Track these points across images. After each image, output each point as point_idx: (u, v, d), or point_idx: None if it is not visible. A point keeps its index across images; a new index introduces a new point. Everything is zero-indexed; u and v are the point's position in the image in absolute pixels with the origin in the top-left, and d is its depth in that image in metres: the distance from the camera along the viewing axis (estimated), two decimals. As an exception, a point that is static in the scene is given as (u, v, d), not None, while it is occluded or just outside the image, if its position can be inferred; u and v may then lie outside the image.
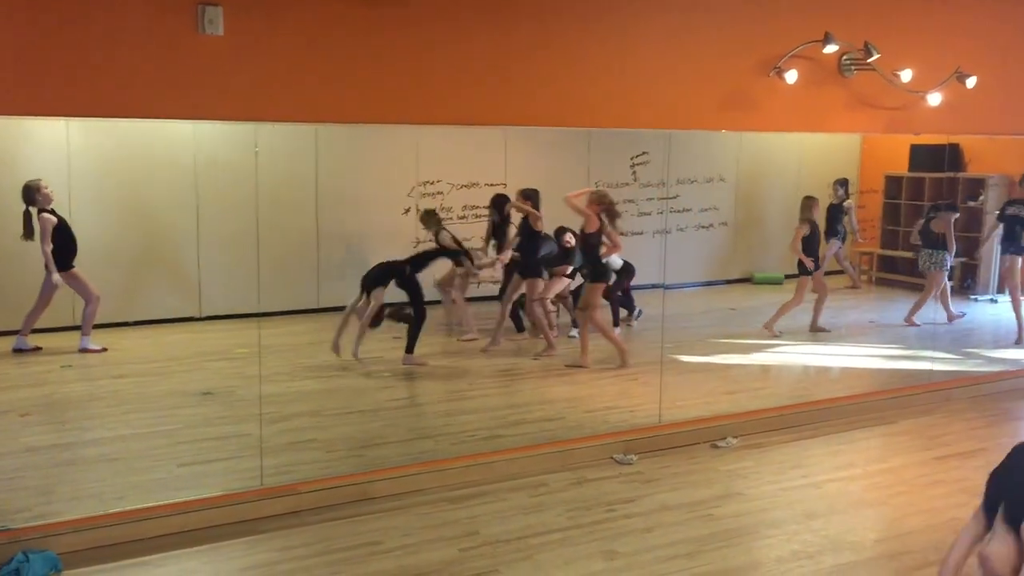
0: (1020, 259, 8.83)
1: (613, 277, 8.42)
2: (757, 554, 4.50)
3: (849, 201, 10.24)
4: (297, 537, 4.62)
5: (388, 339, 8.10)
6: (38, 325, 7.49)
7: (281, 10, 4.72)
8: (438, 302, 8.44)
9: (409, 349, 7.45)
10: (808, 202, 8.81)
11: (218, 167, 8.60)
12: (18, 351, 7.42)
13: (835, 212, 10.24)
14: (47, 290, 7.37)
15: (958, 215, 9.50)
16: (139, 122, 7.58)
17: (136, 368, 7.41)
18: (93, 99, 4.40)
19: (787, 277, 10.58)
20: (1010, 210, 8.99)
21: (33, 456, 5.44)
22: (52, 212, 7.31)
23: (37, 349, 7.51)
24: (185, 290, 8.80)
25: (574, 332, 8.50)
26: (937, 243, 9.00)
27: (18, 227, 7.24)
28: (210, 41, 4.54)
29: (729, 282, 11.07)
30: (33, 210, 7.27)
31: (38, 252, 7.34)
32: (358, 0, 4.87)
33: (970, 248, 10.57)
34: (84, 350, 7.54)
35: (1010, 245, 8.94)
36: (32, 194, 7.26)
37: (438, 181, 9.66)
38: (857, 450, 6.05)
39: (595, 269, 7.64)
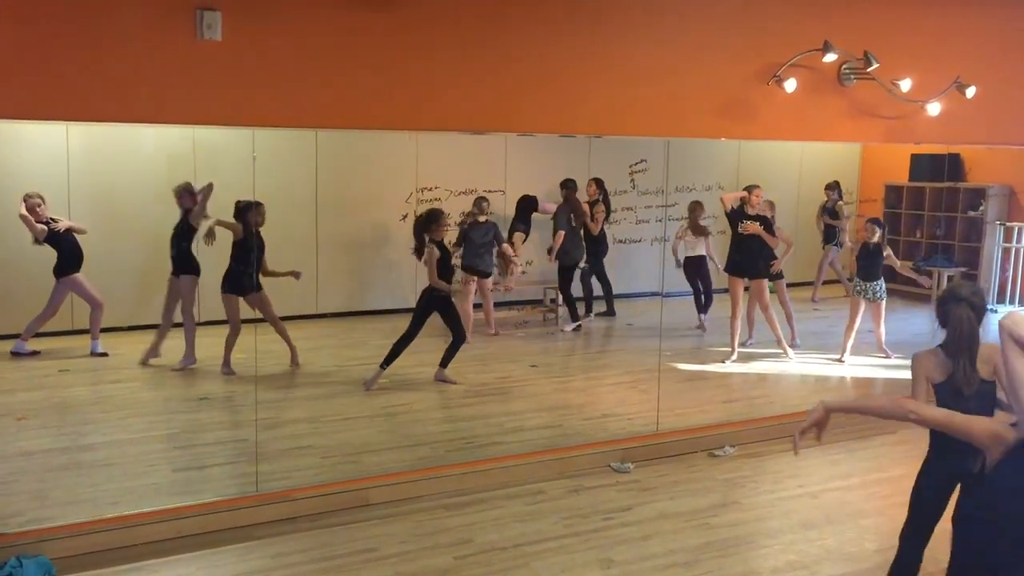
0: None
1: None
2: (754, 564, 4.48)
3: (840, 204, 10.20)
4: (292, 544, 4.61)
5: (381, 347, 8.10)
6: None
7: (280, 16, 4.72)
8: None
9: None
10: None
11: (217, 172, 8.59)
12: (16, 355, 7.43)
13: (829, 217, 10.24)
14: (57, 298, 7.41)
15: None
16: (138, 127, 7.60)
17: (133, 373, 7.40)
18: (92, 103, 4.41)
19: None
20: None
21: (28, 460, 5.44)
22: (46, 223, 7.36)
23: (35, 353, 7.51)
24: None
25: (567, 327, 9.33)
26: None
27: (17, 233, 7.32)
28: (209, 47, 4.53)
29: (727, 291, 11.03)
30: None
31: (38, 258, 7.39)
32: (357, 6, 4.87)
33: (971, 258, 10.55)
34: (94, 354, 7.59)
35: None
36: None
37: (436, 187, 9.67)
38: (855, 460, 6.03)
39: None
